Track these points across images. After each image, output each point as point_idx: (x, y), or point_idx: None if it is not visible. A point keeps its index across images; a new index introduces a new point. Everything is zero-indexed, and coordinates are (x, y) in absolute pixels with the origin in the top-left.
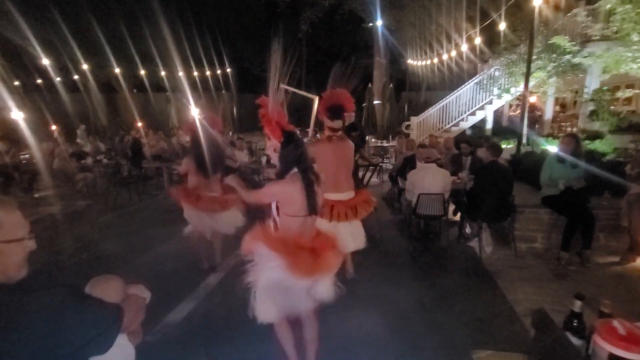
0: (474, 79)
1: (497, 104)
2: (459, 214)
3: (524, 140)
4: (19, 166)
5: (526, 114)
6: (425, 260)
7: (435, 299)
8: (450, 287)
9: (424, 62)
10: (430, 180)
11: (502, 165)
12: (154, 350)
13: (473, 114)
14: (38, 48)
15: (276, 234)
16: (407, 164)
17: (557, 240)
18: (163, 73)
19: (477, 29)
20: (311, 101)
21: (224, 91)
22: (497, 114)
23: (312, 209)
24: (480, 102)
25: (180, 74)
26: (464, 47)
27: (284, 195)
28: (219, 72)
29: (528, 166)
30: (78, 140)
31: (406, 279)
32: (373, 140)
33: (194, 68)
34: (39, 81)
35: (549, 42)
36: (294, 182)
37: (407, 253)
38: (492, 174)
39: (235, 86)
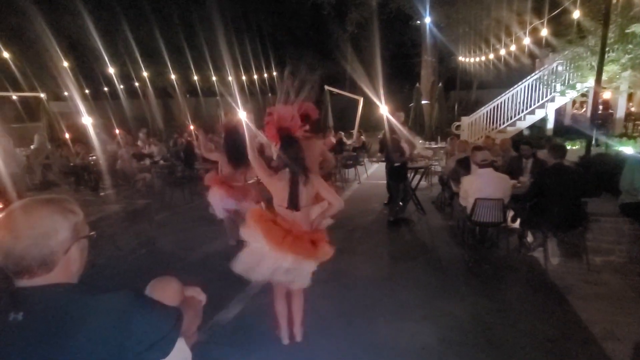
0: (533, 74)
1: (559, 101)
2: (518, 221)
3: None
4: (88, 167)
5: (595, 112)
6: (482, 270)
7: (495, 314)
8: (512, 301)
9: (475, 59)
10: (487, 185)
11: (570, 168)
12: (202, 350)
13: (532, 112)
14: (105, 58)
15: (266, 215)
16: (460, 167)
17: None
18: (214, 78)
19: (541, 21)
20: (356, 102)
21: (269, 94)
22: (559, 113)
23: (292, 204)
24: (541, 100)
25: (230, 78)
26: (526, 41)
27: (270, 186)
28: (265, 75)
29: (600, 169)
30: (138, 143)
31: (461, 290)
32: (420, 141)
33: (243, 72)
34: (105, 89)
35: (626, 30)
36: (282, 179)
37: (461, 262)
38: (557, 178)
39: (281, 89)
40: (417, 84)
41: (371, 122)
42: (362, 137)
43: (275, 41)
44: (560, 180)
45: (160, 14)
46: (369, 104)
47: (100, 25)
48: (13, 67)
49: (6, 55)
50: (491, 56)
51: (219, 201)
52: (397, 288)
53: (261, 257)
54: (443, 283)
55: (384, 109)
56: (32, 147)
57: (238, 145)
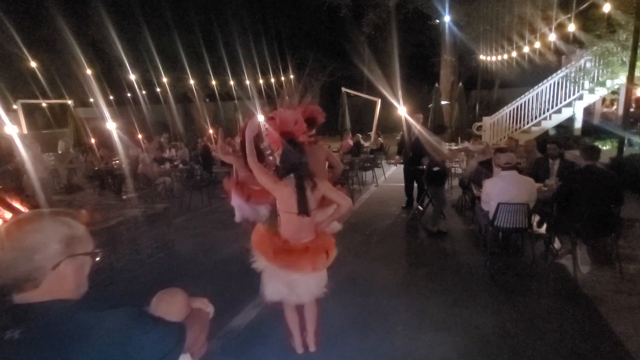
0: (559, 72)
1: (588, 99)
2: (545, 227)
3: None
4: (111, 171)
5: (628, 110)
6: (505, 278)
7: (520, 325)
8: (539, 311)
9: (497, 57)
10: (511, 188)
11: (603, 171)
12: (216, 359)
13: (558, 111)
14: (128, 65)
15: (264, 234)
16: (482, 170)
17: None
18: (232, 82)
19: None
20: (374, 104)
21: (287, 97)
22: (588, 112)
23: (302, 210)
24: (568, 98)
25: (247, 82)
26: (551, 37)
27: (276, 193)
28: (282, 79)
29: (634, 171)
30: (159, 147)
31: (484, 298)
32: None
33: (260, 76)
34: (128, 95)
35: None
36: (287, 185)
37: (483, 269)
38: (588, 181)
39: (298, 92)
40: (436, 84)
41: (389, 124)
42: (379, 139)
43: (293, 44)
44: (592, 184)
45: (181, 21)
46: (387, 106)
47: (123, 34)
48: (42, 75)
49: (34, 64)
50: (514, 54)
51: (236, 205)
52: (415, 296)
53: (271, 277)
54: (464, 291)
55: (402, 110)
56: (57, 152)
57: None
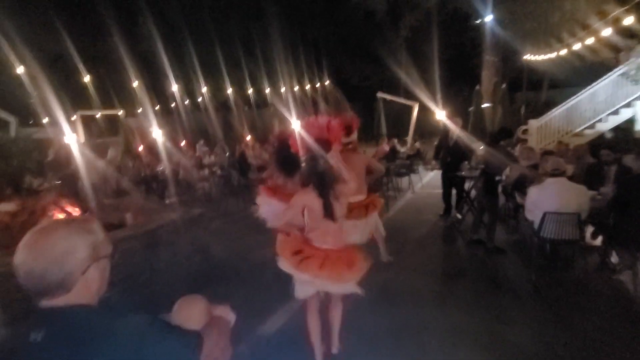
0: (616, 70)
1: None
2: (600, 238)
3: None
4: (156, 177)
5: None
6: (554, 294)
7: (573, 347)
8: (594, 333)
9: (545, 56)
10: (559, 197)
11: None
12: None
13: (616, 112)
14: (172, 76)
15: (286, 238)
16: (527, 176)
17: None
18: (267, 90)
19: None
20: (410, 108)
21: (322, 103)
22: None
23: (328, 215)
24: (627, 98)
25: (283, 89)
26: (606, 32)
27: (304, 202)
28: (318, 84)
29: None
30: (198, 153)
31: (529, 316)
32: (481, 147)
33: (297, 82)
34: (172, 104)
35: None
36: (312, 192)
37: (527, 283)
38: None
39: (334, 98)
40: (477, 86)
41: (427, 129)
42: (416, 144)
43: (329, 50)
44: None
45: (221, 31)
46: (425, 110)
47: (168, 47)
48: (97, 88)
49: (90, 78)
50: (564, 51)
51: (269, 211)
52: (452, 309)
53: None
54: (505, 306)
55: (440, 114)
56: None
57: (288, 154)
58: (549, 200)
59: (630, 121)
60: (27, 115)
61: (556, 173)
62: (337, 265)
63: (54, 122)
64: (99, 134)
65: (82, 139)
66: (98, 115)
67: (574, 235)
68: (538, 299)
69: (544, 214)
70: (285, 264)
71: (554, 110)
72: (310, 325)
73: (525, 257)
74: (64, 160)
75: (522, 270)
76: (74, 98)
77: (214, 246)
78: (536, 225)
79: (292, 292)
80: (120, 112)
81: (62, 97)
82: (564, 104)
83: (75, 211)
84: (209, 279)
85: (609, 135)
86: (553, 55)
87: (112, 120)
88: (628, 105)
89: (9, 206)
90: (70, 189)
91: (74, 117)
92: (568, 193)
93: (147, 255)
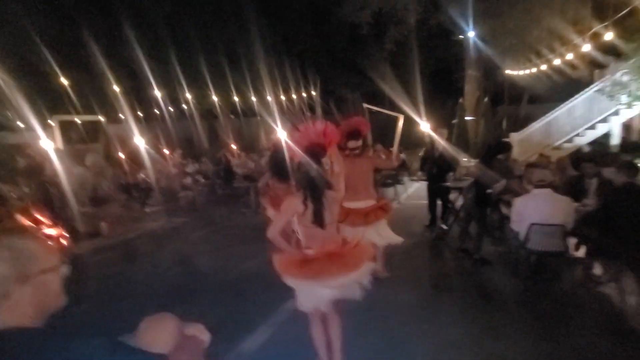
0: (592, 86)
1: (625, 114)
2: (583, 250)
3: None
4: (137, 185)
5: None
6: (540, 307)
7: None
8: (582, 348)
9: (525, 71)
10: (545, 208)
11: None
12: None
13: (593, 127)
14: (155, 83)
15: (283, 255)
16: (512, 187)
17: None
18: (253, 98)
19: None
20: (396, 120)
21: (309, 113)
22: (625, 127)
23: (318, 221)
24: (603, 114)
25: (269, 99)
26: (585, 47)
27: (295, 209)
28: (304, 95)
29: None
30: (179, 162)
31: (515, 330)
32: (465, 159)
33: (282, 93)
34: (156, 111)
35: None
36: (300, 197)
37: (514, 296)
38: (630, 200)
39: (321, 108)
40: (461, 99)
41: (412, 140)
42: (402, 155)
43: (315, 62)
44: (633, 202)
45: (206, 40)
46: (410, 122)
47: (152, 53)
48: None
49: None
50: (543, 67)
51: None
52: (439, 323)
53: (310, 290)
54: (493, 320)
55: (425, 126)
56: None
57: (282, 161)
58: (535, 211)
59: (607, 136)
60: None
61: (542, 184)
62: (343, 257)
63: (29, 127)
64: (80, 141)
65: (60, 144)
66: (78, 122)
67: (559, 247)
68: (525, 312)
69: (530, 225)
70: (290, 279)
71: (534, 124)
72: (315, 337)
73: (511, 268)
74: (38, 166)
75: (509, 282)
76: (53, 103)
77: (196, 257)
78: (522, 237)
79: (283, 303)
80: (102, 119)
81: (39, 102)
82: (543, 118)
83: (45, 221)
84: (189, 291)
85: (586, 149)
86: (533, 70)
87: (93, 127)
88: (604, 120)
89: None
90: (43, 197)
91: (52, 122)
92: (553, 204)
93: (123, 267)
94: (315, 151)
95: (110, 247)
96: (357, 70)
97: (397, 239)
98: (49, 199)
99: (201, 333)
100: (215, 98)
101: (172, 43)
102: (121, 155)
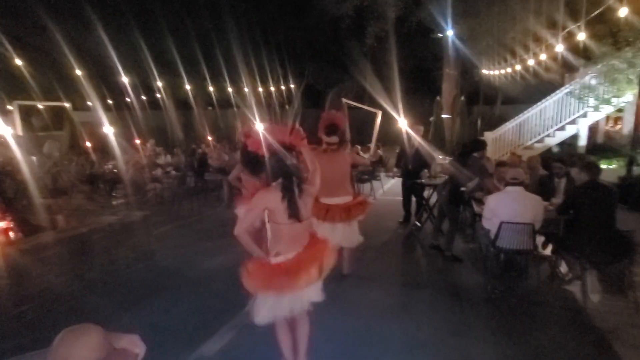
0: (562, 89)
1: (592, 117)
2: (549, 248)
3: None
4: (103, 175)
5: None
6: (507, 304)
7: (523, 359)
8: (546, 345)
9: (500, 72)
10: (516, 206)
11: (605, 186)
12: None
13: (562, 128)
14: (125, 70)
15: (257, 270)
16: (483, 185)
17: None
18: (230, 89)
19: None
20: (374, 116)
21: (287, 106)
22: (591, 130)
23: (293, 215)
24: (571, 115)
25: (246, 90)
26: (557, 48)
27: (266, 202)
28: (283, 88)
29: None
30: (149, 153)
31: (483, 326)
32: (440, 157)
33: (260, 84)
34: (127, 100)
35: None
36: (275, 190)
37: (482, 293)
38: (591, 196)
39: (299, 101)
40: (438, 97)
41: (390, 136)
42: (379, 151)
43: (295, 54)
44: (595, 198)
45: (181, 28)
46: (388, 118)
47: (123, 40)
48: (41, 78)
49: (30, 67)
50: (517, 67)
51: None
52: (408, 321)
53: (280, 301)
54: (461, 317)
55: (402, 123)
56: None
57: (254, 153)
58: (506, 209)
59: (575, 137)
60: None
61: (514, 182)
62: (311, 264)
63: None
64: (41, 128)
65: (20, 131)
66: (41, 107)
67: (528, 245)
68: (493, 310)
69: (500, 224)
70: (263, 293)
71: (507, 124)
72: (282, 341)
73: (482, 266)
74: None
75: (479, 280)
76: (12, 88)
77: (158, 253)
78: (492, 235)
79: (247, 304)
80: (67, 105)
81: None
82: (516, 118)
83: None
84: (150, 290)
85: (556, 150)
86: (507, 71)
87: (57, 114)
88: (573, 122)
89: None
90: None
91: (10, 107)
92: (524, 203)
93: (77, 263)
94: (285, 146)
95: (63, 241)
96: (337, 65)
97: (358, 241)
98: (0, 188)
99: (135, 346)
100: (189, 88)
101: (144, 28)
102: (88, 144)
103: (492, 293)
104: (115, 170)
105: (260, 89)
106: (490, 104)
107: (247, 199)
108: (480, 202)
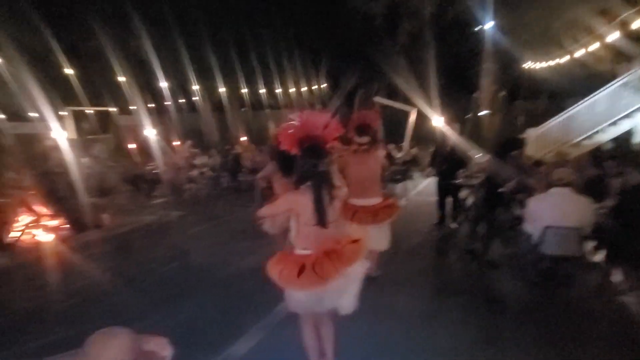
0: (616, 80)
1: None
2: (601, 255)
3: None
4: (144, 176)
5: None
6: (550, 315)
7: None
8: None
9: (545, 64)
10: (562, 209)
11: None
12: None
13: (614, 124)
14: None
15: (278, 259)
16: (526, 185)
17: None
18: (262, 90)
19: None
20: (407, 114)
21: (319, 107)
22: None
23: (321, 220)
24: (627, 109)
25: (278, 91)
26: (610, 37)
27: (294, 204)
28: (314, 87)
29: None
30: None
31: (520, 340)
32: (478, 156)
33: (293, 85)
34: (168, 103)
35: None
36: (305, 193)
37: (523, 302)
38: None
39: (331, 101)
40: (475, 94)
41: (424, 135)
42: (412, 150)
43: (326, 54)
44: None
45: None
46: (423, 116)
47: (165, 47)
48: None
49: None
50: (565, 59)
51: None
52: (441, 329)
53: (310, 296)
54: (497, 327)
55: (437, 121)
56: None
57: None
58: (550, 212)
59: (631, 133)
60: (14, 110)
61: (560, 183)
62: (334, 263)
63: (42, 117)
64: (90, 131)
65: (73, 135)
66: (90, 112)
67: (574, 252)
68: (533, 320)
69: (544, 228)
70: (292, 291)
71: (552, 119)
72: (308, 342)
73: (522, 273)
74: (43, 156)
75: (518, 288)
76: (65, 94)
77: (192, 252)
78: (535, 239)
79: (277, 304)
80: (113, 110)
81: (51, 93)
82: (562, 113)
83: (45, 210)
84: (184, 288)
85: (607, 147)
86: (553, 63)
87: (104, 118)
88: (628, 116)
89: None
90: (46, 187)
91: (64, 113)
92: (570, 205)
93: (119, 261)
94: (315, 144)
95: (108, 239)
96: (370, 64)
97: (387, 244)
98: (52, 189)
99: (162, 348)
100: (225, 91)
101: (181, 34)
102: (131, 146)
103: (533, 302)
104: (156, 171)
105: (292, 90)
106: (534, 99)
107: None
108: (522, 205)
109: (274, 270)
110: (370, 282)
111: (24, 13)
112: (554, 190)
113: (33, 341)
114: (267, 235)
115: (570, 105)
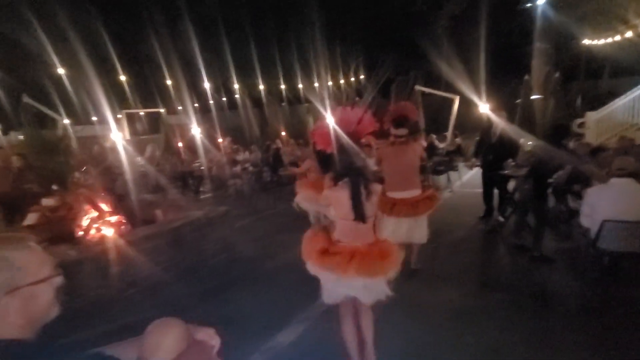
0: None
1: None
2: None
3: None
4: (191, 173)
5: None
6: (612, 315)
7: None
8: None
9: (607, 41)
10: (622, 201)
11: None
12: None
13: None
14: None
15: (312, 236)
16: (582, 175)
17: None
18: (300, 85)
19: None
20: (451, 101)
21: (357, 98)
22: None
23: (359, 216)
24: None
25: (316, 85)
26: None
27: (333, 200)
28: (352, 79)
29: None
30: (228, 150)
31: (575, 340)
32: (529, 143)
33: (331, 77)
34: (211, 102)
35: None
36: (343, 189)
37: (579, 300)
38: None
39: (370, 93)
40: (527, 76)
41: (469, 123)
42: (456, 139)
43: (364, 43)
44: None
45: (256, 29)
46: (467, 103)
47: (206, 46)
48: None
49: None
50: (629, 34)
51: (310, 206)
52: (487, 326)
53: (333, 283)
54: (550, 326)
55: (484, 108)
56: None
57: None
58: (611, 205)
59: None
60: (76, 114)
61: (622, 173)
62: (366, 259)
63: (101, 120)
64: (142, 132)
65: (127, 136)
66: (141, 114)
67: (637, 248)
68: (591, 320)
69: (603, 222)
70: (310, 265)
71: (616, 100)
72: (346, 335)
73: (578, 269)
74: (104, 156)
75: (573, 285)
76: (120, 97)
77: (238, 245)
78: (593, 234)
79: (320, 296)
80: (162, 110)
81: (109, 97)
82: (628, 93)
83: (106, 207)
84: (231, 280)
85: None
86: (616, 38)
87: (154, 118)
88: None
89: (50, 201)
90: (106, 184)
91: (119, 116)
92: (633, 198)
93: (172, 254)
94: (352, 136)
95: (161, 233)
96: (410, 50)
97: (425, 237)
98: (113, 187)
99: (211, 338)
100: (264, 87)
101: (222, 34)
102: (179, 144)
103: (593, 301)
104: (202, 168)
105: (330, 83)
106: (595, 78)
107: (307, 185)
108: (578, 196)
109: (307, 242)
110: (411, 275)
111: (85, 27)
112: (614, 180)
113: (99, 326)
114: (309, 228)
115: (635, 85)
